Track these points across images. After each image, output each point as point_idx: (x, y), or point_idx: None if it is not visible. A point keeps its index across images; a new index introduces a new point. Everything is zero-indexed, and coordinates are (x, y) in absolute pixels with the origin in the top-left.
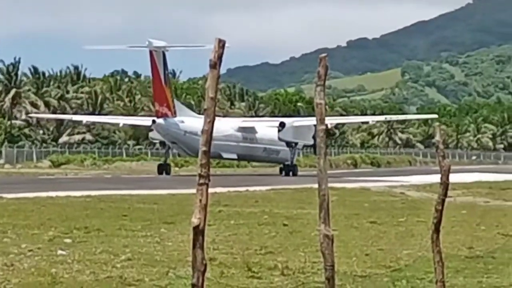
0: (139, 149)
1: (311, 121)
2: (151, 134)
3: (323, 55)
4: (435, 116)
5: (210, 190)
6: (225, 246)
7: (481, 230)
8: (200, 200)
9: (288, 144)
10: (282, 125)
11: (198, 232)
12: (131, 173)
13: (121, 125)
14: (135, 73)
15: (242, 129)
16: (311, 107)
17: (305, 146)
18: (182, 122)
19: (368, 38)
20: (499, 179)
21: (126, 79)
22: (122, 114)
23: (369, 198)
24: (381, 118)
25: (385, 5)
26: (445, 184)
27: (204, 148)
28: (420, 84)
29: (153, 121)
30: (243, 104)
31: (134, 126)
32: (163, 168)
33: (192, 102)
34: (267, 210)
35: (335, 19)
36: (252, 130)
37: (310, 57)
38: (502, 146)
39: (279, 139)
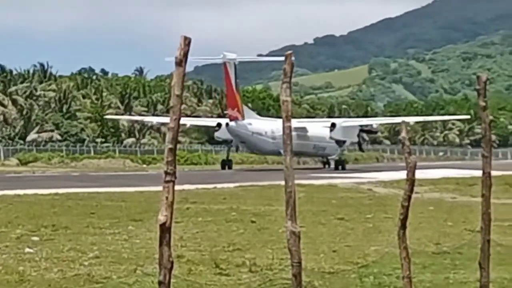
0: (106, 146)
1: (357, 122)
2: (216, 134)
3: (289, 52)
4: (468, 116)
5: (178, 187)
6: (193, 243)
7: (448, 226)
8: (167, 198)
9: (338, 142)
10: (333, 125)
11: (165, 229)
12: (99, 171)
13: (188, 126)
14: (102, 70)
15: (296, 129)
16: (277, 104)
17: (351, 143)
18: (250, 124)
19: (335, 35)
20: (466, 175)
21: (94, 77)
22: (89, 112)
23: (336, 195)
24: (420, 118)
25: (352, 2)
26: (411, 181)
27: (170, 146)
28: (387, 81)
29: (226, 124)
30: (210, 101)
31: (199, 127)
32: (226, 164)
33: (160, 99)
34: (235, 207)
35: (302, 16)
36: (304, 129)
37: (277, 54)
38: (468, 142)
39: (331, 138)
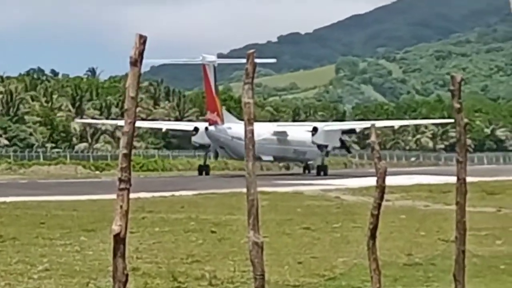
0: (57, 152)
1: (339, 125)
2: (193, 138)
3: (251, 51)
4: (451, 120)
5: (134, 195)
6: (149, 254)
7: (420, 236)
8: (121, 206)
9: (319, 146)
10: (315, 129)
11: (119, 240)
12: (49, 178)
13: (164, 130)
14: (52, 71)
15: (277, 133)
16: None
17: (333, 148)
18: (230, 128)
19: (300, 33)
20: (440, 181)
21: (43, 78)
22: (38, 115)
23: (302, 203)
24: (406, 122)
25: None
26: (381, 188)
27: (124, 151)
28: (356, 82)
29: (206, 128)
30: (168, 103)
31: (176, 131)
32: (203, 169)
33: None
34: (194, 216)
35: (265, 13)
36: (284, 134)
37: (238, 53)
38: (442, 146)
39: (313, 142)
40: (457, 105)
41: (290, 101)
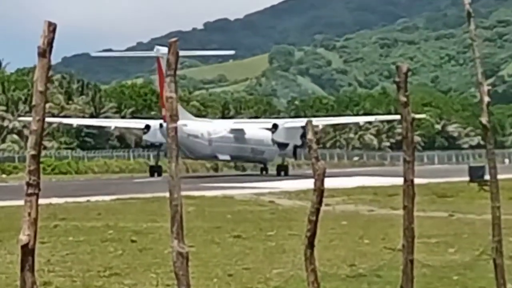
0: None
1: (300, 122)
2: (145, 137)
3: (174, 39)
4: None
5: (44, 201)
6: (62, 267)
7: (364, 244)
8: (29, 214)
9: (280, 145)
10: (275, 126)
11: (27, 251)
12: None
13: (112, 128)
14: None
15: (233, 131)
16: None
17: (295, 147)
18: (185, 125)
19: (229, 19)
20: (385, 183)
21: None
22: None
23: (232, 208)
24: (371, 118)
25: None
26: (319, 191)
27: (33, 152)
28: (291, 73)
29: (160, 125)
30: (82, 98)
31: (126, 129)
32: (155, 170)
33: (22, 97)
34: (112, 224)
35: None
36: (242, 132)
37: (161, 41)
38: (388, 144)
39: (273, 140)
40: (404, 99)
41: (219, 95)
